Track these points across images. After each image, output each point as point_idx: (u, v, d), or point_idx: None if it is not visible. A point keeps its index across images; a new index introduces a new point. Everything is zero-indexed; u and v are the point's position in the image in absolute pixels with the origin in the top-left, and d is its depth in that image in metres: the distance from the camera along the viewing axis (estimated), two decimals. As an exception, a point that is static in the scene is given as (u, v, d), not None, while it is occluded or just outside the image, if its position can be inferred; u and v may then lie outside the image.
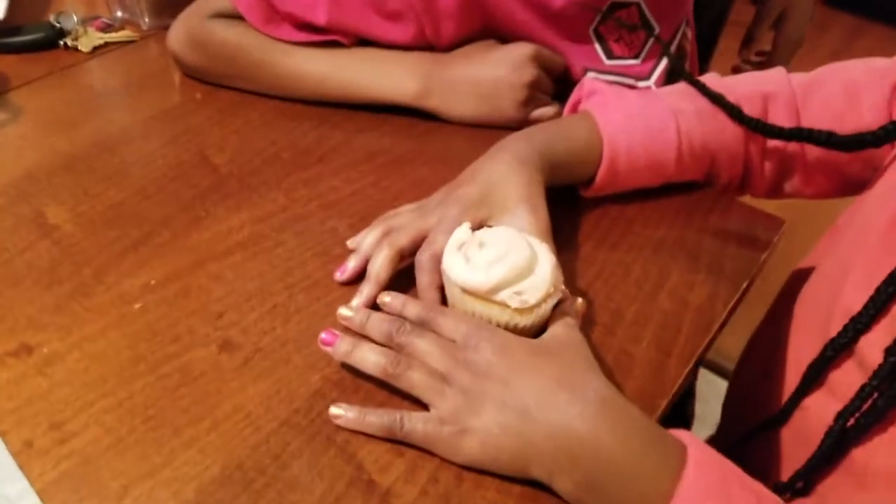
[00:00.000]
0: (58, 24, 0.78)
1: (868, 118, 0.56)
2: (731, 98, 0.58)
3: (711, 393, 1.39)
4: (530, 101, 0.68)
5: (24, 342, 0.47)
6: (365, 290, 0.49)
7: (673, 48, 0.75)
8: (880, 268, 0.43)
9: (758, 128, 0.57)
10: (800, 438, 0.49)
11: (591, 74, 0.72)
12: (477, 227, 0.50)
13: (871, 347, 0.43)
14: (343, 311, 0.47)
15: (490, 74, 0.68)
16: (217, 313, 0.49)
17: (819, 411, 0.46)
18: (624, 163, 0.58)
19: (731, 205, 0.63)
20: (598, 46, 0.73)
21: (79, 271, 0.52)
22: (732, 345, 0.69)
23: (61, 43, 0.78)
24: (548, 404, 0.40)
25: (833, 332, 0.45)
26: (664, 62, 0.74)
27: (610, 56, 0.73)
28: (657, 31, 0.73)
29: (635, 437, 0.39)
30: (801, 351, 0.51)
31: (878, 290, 0.43)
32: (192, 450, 0.41)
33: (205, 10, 0.70)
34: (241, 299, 0.50)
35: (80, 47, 0.77)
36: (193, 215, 0.57)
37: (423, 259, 0.49)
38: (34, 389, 0.44)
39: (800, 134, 0.55)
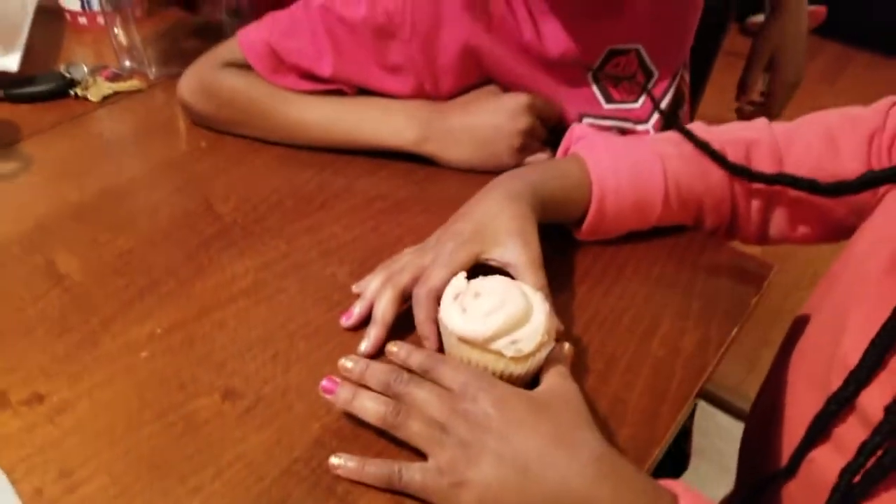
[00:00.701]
0: (68, 75, 0.81)
1: (849, 166, 0.58)
2: (716, 145, 0.61)
3: (710, 425, 1.40)
4: (525, 148, 0.70)
5: (35, 391, 0.48)
6: (372, 333, 0.51)
7: (671, 92, 0.77)
8: (876, 318, 0.44)
9: (741, 172, 0.59)
10: (809, 492, 0.48)
11: (588, 120, 0.75)
12: (471, 261, 0.52)
13: (872, 401, 0.43)
14: (343, 362, 0.48)
15: (487, 122, 0.70)
16: (220, 362, 0.51)
17: (825, 465, 0.46)
18: (612, 202, 0.60)
19: (721, 249, 0.65)
20: (596, 91, 0.75)
21: (88, 320, 0.53)
22: (731, 372, 0.69)
23: (71, 93, 0.80)
24: (546, 464, 0.41)
25: (833, 385, 0.46)
26: (663, 104, 0.76)
27: (609, 100, 0.76)
28: (656, 76, 0.75)
29: (630, 495, 0.40)
30: (804, 402, 0.52)
31: (873, 343, 0.43)
32: (197, 499, 0.42)
33: (217, 60, 0.73)
34: (244, 347, 0.52)
35: (89, 97, 0.80)
36: (198, 263, 0.59)
37: (420, 294, 0.51)
38: (45, 438, 0.45)
39: (782, 179, 0.57)
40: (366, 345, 0.51)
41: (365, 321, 0.53)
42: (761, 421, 0.61)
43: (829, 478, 0.44)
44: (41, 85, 0.80)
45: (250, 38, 0.71)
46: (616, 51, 0.73)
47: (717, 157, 0.60)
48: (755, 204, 0.62)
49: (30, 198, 0.66)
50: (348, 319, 0.53)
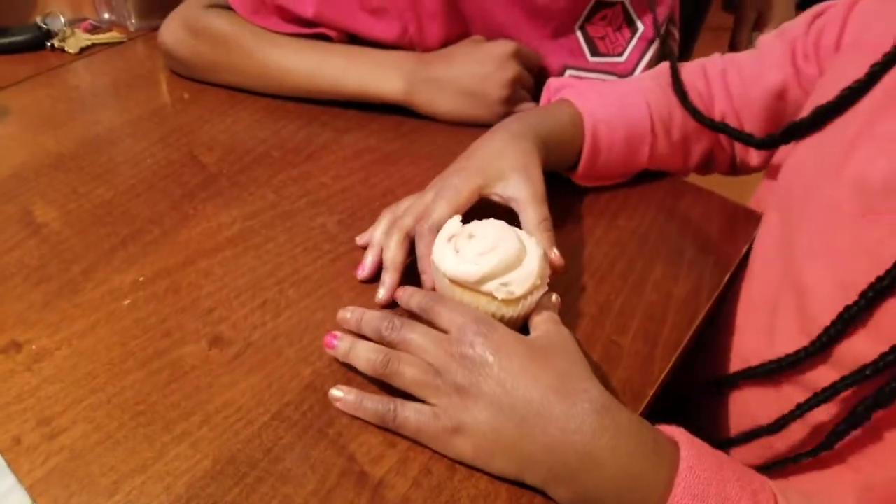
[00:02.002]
0: (45, 26, 0.78)
1: (770, 75, 0.60)
2: (686, 81, 0.62)
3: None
4: (513, 97, 0.68)
5: (12, 339, 0.47)
6: (386, 279, 0.50)
7: (655, 45, 0.76)
8: (849, 265, 0.44)
9: (694, 114, 0.60)
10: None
11: (571, 72, 0.73)
12: (475, 195, 0.51)
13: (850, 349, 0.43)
14: (341, 313, 0.47)
15: (474, 72, 0.68)
16: (207, 309, 0.49)
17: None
18: (604, 135, 0.60)
19: (712, 198, 0.64)
20: (583, 43, 0.74)
21: (68, 269, 0.52)
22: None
23: (48, 44, 0.78)
24: (546, 416, 0.39)
25: (782, 308, 0.47)
26: (646, 59, 0.76)
27: (595, 53, 0.75)
28: (641, 30, 0.74)
29: (631, 446, 0.39)
30: (753, 322, 0.55)
31: (855, 303, 0.42)
32: (184, 444, 0.41)
33: (199, 1, 0.71)
34: (232, 295, 0.51)
35: (67, 48, 0.77)
36: (183, 213, 0.57)
37: (422, 228, 0.50)
38: (23, 386, 0.44)
39: (724, 128, 0.59)
40: (382, 292, 0.50)
41: (378, 272, 0.52)
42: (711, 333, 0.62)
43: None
44: (16, 36, 0.77)
45: None
46: (603, 2, 0.72)
47: (680, 95, 0.61)
48: (722, 138, 0.64)
49: (4, 148, 0.64)
50: (363, 271, 0.52)
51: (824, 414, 0.43)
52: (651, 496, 0.38)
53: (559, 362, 0.42)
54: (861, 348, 0.42)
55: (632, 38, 0.75)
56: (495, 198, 0.52)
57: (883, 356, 0.39)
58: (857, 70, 0.47)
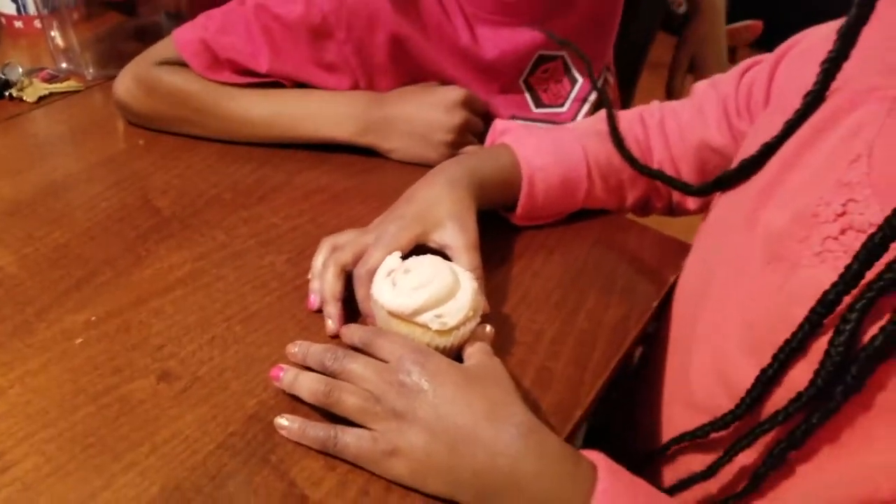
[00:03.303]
0: (3, 76, 0.80)
1: (716, 136, 0.64)
2: (624, 127, 0.66)
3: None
4: (459, 141, 0.73)
5: (-34, 379, 0.48)
6: (330, 310, 0.53)
7: (594, 95, 0.82)
8: (755, 309, 0.47)
9: (631, 161, 0.64)
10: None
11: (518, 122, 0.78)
12: (412, 242, 0.54)
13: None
14: (289, 347, 0.50)
15: (424, 116, 0.72)
16: (157, 346, 0.52)
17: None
18: (541, 179, 0.63)
19: (645, 233, 0.68)
20: (527, 96, 0.79)
21: (22, 311, 0.54)
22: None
23: (7, 94, 0.80)
24: (475, 441, 0.42)
25: (695, 358, 0.51)
26: (585, 108, 0.81)
27: (539, 104, 0.80)
28: (580, 82, 0.80)
29: (553, 470, 0.42)
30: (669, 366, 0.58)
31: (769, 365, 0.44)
32: (132, 473, 0.43)
33: (152, 58, 0.74)
34: (181, 332, 0.53)
35: (25, 97, 0.80)
36: (136, 254, 0.60)
37: (360, 273, 0.53)
38: (-25, 423, 0.45)
39: (660, 176, 0.63)
40: (330, 323, 0.53)
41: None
42: (644, 374, 0.65)
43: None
44: (-25, 86, 0.79)
45: (185, 36, 0.72)
46: (545, 57, 0.77)
47: (617, 144, 0.65)
48: (658, 183, 0.68)
49: (-38, 196, 0.66)
50: (312, 302, 0.55)
51: (749, 457, 0.45)
52: None
53: (490, 390, 0.45)
54: (778, 399, 0.43)
55: (571, 89, 0.81)
56: (432, 244, 0.55)
57: (792, 402, 0.41)
58: (776, 125, 0.51)
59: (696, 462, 0.50)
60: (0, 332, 0.52)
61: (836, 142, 0.45)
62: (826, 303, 0.39)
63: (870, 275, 0.37)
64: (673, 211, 0.71)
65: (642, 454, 0.57)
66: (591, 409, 0.52)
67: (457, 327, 0.48)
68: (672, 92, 1.05)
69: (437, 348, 0.48)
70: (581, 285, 0.61)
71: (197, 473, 0.43)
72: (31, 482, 0.42)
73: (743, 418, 0.45)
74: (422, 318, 0.48)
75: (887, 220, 0.37)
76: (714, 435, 0.47)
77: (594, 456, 0.44)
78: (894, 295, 0.37)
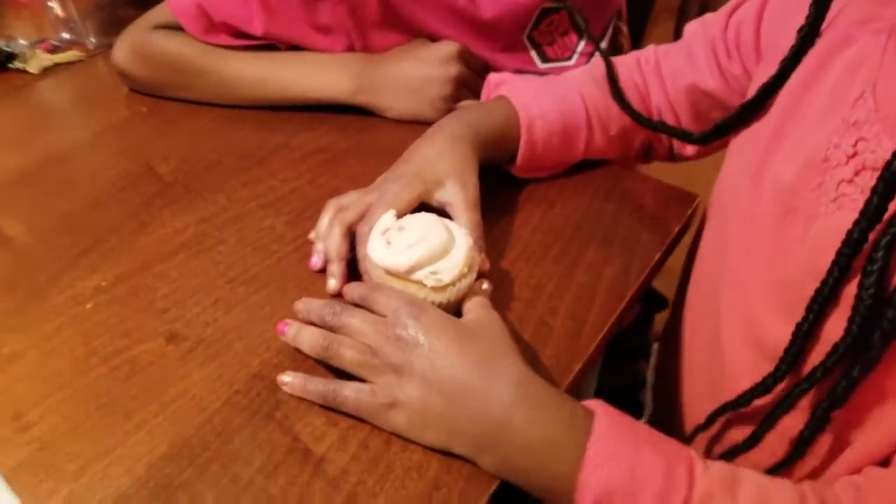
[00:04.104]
0: (6, 48, 0.81)
1: (709, 78, 0.62)
2: (623, 77, 0.65)
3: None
4: (455, 95, 0.72)
5: (-17, 345, 0.50)
6: (334, 269, 0.54)
7: (605, 44, 0.80)
8: (775, 267, 0.46)
9: (630, 113, 0.63)
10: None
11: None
12: (414, 200, 0.55)
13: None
14: (296, 304, 0.51)
15: (418, 71, 0.72)
16: (163, 309, 0.53)
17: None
18: (540, 128, 0.63)
19: (647, 182, 0.68)
20: (532, 52, 0.78)
21: (34, 277, 0.55)
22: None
23: (10, 66, 0.81)
24: (470, 391, 0.43)
25: (724, 310, 0.49)
26: (593, 60, 0.79)
27: (544, 59, 0.79)
28: (584, 30, 0.78)
29: (547, 416, 0.43)
30: (700, 332, 0.56)
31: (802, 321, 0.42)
32: (142, 431, 0.45)
33: (147, 23, 0.74)
34: (186, 295, 0.54)
35: (28, 69, 0.81)
36: (140, 221, 0.61)
37: (363, 231, 0.54)
38: (-4, 385, 0.48)
39: (660, 127, 0.62)
40: (332, 282, 0.54)
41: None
42: (672, 348, 0.65)
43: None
44: (-21, 59, 0.80)
45: (181, 1, 0.72)
46: (548, 9, 0.75)
47: (617, 97, 0.64)
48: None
49: (-28, 168, 0.67)
50: (315, 261, 0.56)
51: (793, 421, 0.43)
52: (566, 461, 0.41)
53: (485, 342, 0.46)
54: (818, 355, 0.41)
55: (578, 41, 0.79)
56: (433, 202, 0.56)
57: (829, 355, 0.39)
58: (773, 69, 0.50)
59: (739, 433, 0.48)
60: (15, 298, 0.54)
61: (836, 81, 0.44)
62: (851, 243, 0.38)
63: (893, 208, 0.36)
64: (673, 157, 0.71)
65: (681, 432, 0.56)
66: (591, 362, 0.53)
67: (452, 283, 0.49)
68: (684, 15, 1.03)
69: (433, 304, 0.49)
70: (581, 238, 0.62)
71: (204, 430, 0.45)
72: (49, 441, 0.44)
73: (784, 380, 0.43)
74: (417, 276, 0.49)
75: None
76: (757, 402, 0.45)
77: (592, 404, 0.45)
78: None
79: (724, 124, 0.56)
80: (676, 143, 0.69)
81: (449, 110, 0.72)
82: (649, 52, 0.68)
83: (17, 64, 0.81)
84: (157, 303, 0.54)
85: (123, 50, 0.74)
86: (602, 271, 0.59)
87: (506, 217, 0.63)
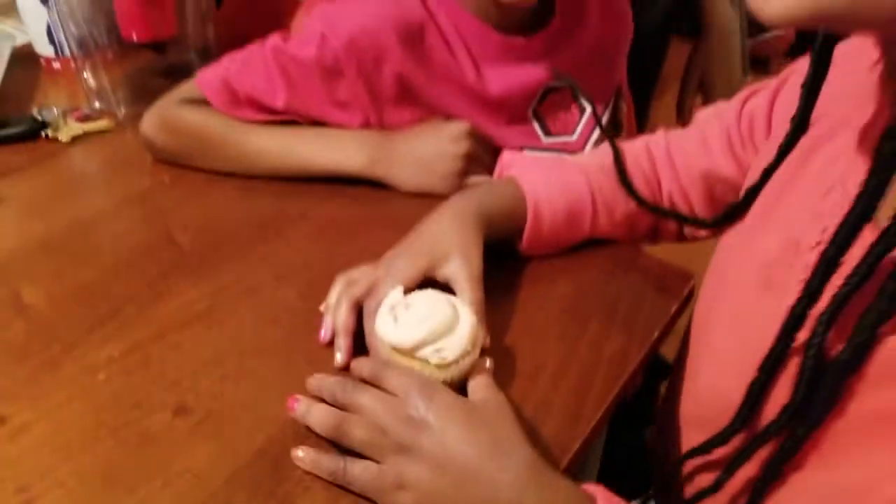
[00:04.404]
0: (40, 118, 0.85)
1: (722, 163, 0.64)
2: (630, 162, 0.67)
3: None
4: (466, 171, 0.75)
5: (-2, 413, 0.52)
6: (340, 343, 0.56)
7: (605, 120, 0.83)
8: (750, 339, 0.48)
9: (638, 200, 0.65)
10: None
11: (527, 153, 0.80)
12: (420, 275, 0.56)
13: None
14: (308, 380, 0.53)
15: (430, 147, 0.75)
16: (174, 380, 0.54)
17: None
18: (546, 210, 0.65)
19: (649, 261, 0.69)
20: (536, 126, 0.81)
21: (49, 346, 0.57)
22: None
23: (43, 134, 0.85)
24: (479, 476, 0.44)
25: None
26: (595, 136, 0.82)
27: (547, 134, 0.81)
28: (589, 110, 0.81)
29: (553, 498, 0.44)
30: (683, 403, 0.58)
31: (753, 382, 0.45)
32: (146, 507, 0.46)
33: (176, 97, 0.78)
34: (197, 366, 0.56)
35: (60, 137, 0.84)
36: (157, 290, 0.63)
37: (370, 306, 0.55)
38: (4, 456, 0.49)
39: (669, 213, 0.65)
40: (339, 356, 0.55)
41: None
42: (669, 410, 0.65)
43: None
44: (14, 128, 0.84)
45: (207, 76, 0.76)
46: (553, 88, 0.78)
47: (625, 185, 0.66)
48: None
49: None
50: (323, 335, 0.57)
51: (750, 471, 0.46)
52: None
53: (494, 425, 0.47)
54: (769, 414, 0.44)
55: (580, 117, 0.82)
56: (438, 277, 0.57)
57: (779, 415, 0.42)
58: (773, 153, 0.51)
59: (705, 479, 0.51)
60: (29, 366, 0.55)
61: (817, 171, 0.47)
62: (794, 318, 0.41)
63: (831, 290, 0.39)
64: (685, 238, 0.72)
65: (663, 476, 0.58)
66: (591, 440, 0.53)
67: (456, 361, 0.50)
68: (682, 109, 1.06)
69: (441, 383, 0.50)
70: (583, 315, 0.62)
71: (206, 507, 0.46)
72: (54, 515, 0.45)
73: (740, 433, 0.46)
74: (422, 353, 0.50)
75: (833, 237, 0.39)
76: (717, 451, 0.48)
77: (593, 489, 0.45)
78: (855, 309, 0.38)
79: (733, 209, 0.57)
80: (688, 226, 0.70)
81: (459, 185, 0.74)
82: (659, 137, 0.70)
83: (49, 132, 0.84)
84: (169, 374, 0.55)
85: (152, 121, 0.78)
86: (603, 348, 0.59)
87: (511, 292, 0.64)
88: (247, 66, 0.75)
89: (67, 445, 0.49)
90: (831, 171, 0.44)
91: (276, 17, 0.98)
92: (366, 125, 0.77)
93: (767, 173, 0.52)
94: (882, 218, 0.37)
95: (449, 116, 0.77)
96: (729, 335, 0.52)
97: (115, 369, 0.55)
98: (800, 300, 0.41)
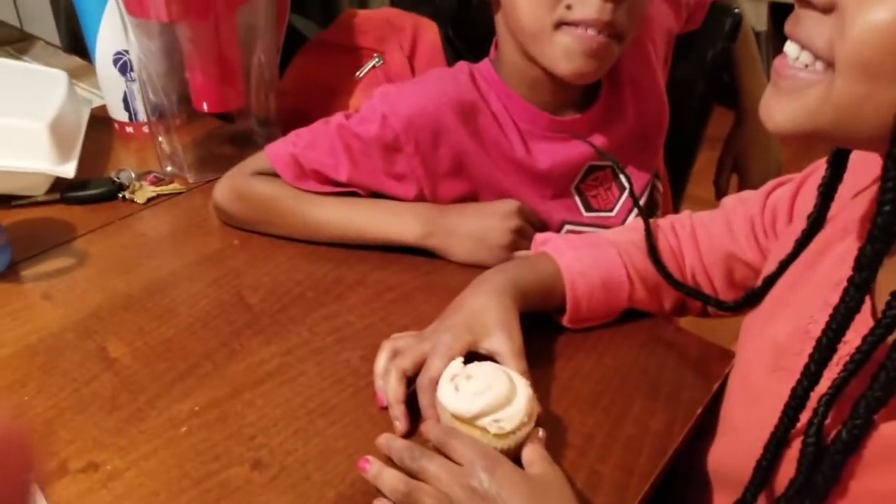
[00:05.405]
0: (117, 180, 0.92)
1: (747, 249, 0.69)
2: (661, 239, 0.72)
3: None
4: (515, 246, 0.80)
5: (91, 460, 0.56)
6: (396, 412, 0.60)
7: (643, 200, 0.88)
8: (758, 418, 0.51)
9: (666, 277, 0.69)
10: None
11: (569, 226, 0.85)
12: (465, 350, 0.61)
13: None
14: (378, 438, 0.57)
15: (481, 221, 0.81)
16: (250, 436, 0.59)
17: None
18: (582, 285, 0.69)
19: (689, 340, 0.73)
20: (578, 201, 0.86)
21: (135, 399, 0.62)
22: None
23: (120, 195, 0.91)
24: None
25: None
26: (633, 213, 0.87)
27: (588, 209, 0.87)
28: (628, 188, 0.86)
29: None
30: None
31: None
32: (228, 555, 0.50)
33: (247, 169, 0.84)
34: (270, 423, 0.60)
35: (135, 199, 0.91)
36: (231, 349, 0.68)
37: (423, 383, 0.60)
38: (99, 501, 0.53)
39: (693, 293, 0.68)
40: (398, 424, 0.59)
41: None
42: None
43: None
44: (93, 189, 0.91)
45: (276, 150, 0.83)
46: (595, 166, 0.84)
47: (653, 258, 0.70)
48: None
49: (84, 290, 0.76)
50: (381, 401, 0.62)
51: None
52: None
53: (554, 499, 0.51)
54: (777, 490, 0.49)
55: (620, 195, 0.88)
56: (482, 351, 0.62)
57: (784, 492, 0.46)
58: (791, 245, 0.57)
59: None
60: (118, 417, 0.60)
61: (829, 266, 0.51)
62: (796, 398, 0.45)
63: (831, 375, 0.43)
64: (708, 315, 0.76)
65: None
66: (638, 512, 0.56)
67: (513, 432, 0.54)
68: (718, 189, 1.11)
69: (494, 450, 0.54)
70: (628, 389, 0.66)
71: (284, 558, 0.50)
72: (145, 558, 0.49)
73: None
74: (481, 422, 0.54)
75: (827, 324, 0.43)
76: None
77: None
78: (854, 393, 0.41)
79: (752, 294, 0.62)
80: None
81: (508, 258, 0.79)
82: (685, 217, 0.75)
83: (126, 194, 0.91)
84: (245, 429, 0.59)
85: (224, 190, 0.84)
86: (648, 424, 0.63)
87: (558, 364, 0.69)
88: (313, 143, 0.82)
89: (155, 493, 0.54)
90: (842, 266, 0.48)
91: (333, 94, 1.05)
92: (420, 196, 0.82)
93: (784, 265, 0.57)
94: (879, 308, 0.41)
95: (498, 189, 0.83)
96: (744, 412, 0.57)
97: (195, 423, 0.60)
98: (799, 382, 0.45)
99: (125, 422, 0.60)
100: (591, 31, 0.71)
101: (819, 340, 0.44)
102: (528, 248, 0.81)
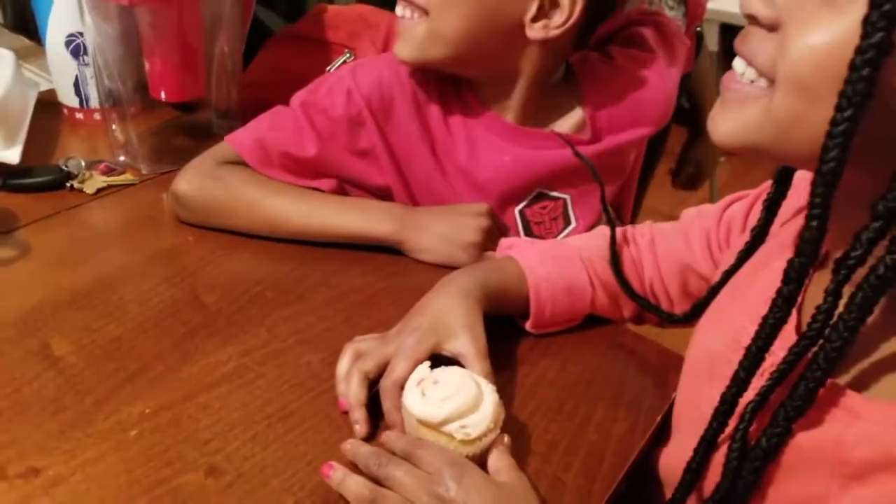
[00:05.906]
0: (65, 168, 0.88)
1: (702, 262, 0.71)
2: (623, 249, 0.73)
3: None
4: (485, 245, 0.79)
5: (31, 465, 0.53)
6: (356, 415, 0.58)
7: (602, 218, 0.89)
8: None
9: (623, 286, 0.70)
10: None
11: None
12: (429, 352, 0.59)
13: None
14: (343, 444, 0.55)
15: (453, 220, 0.81)
16: (205, 440, 0.56)
17: None
18: (546, 289, 0.69)
19: (649, 348, 0.73)
20: (519, 224, 0.87)
21: (81, 400, 0.59)
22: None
23: (68, 185, 0.87)
24: None
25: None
26: (594, 230, 0.88)
27: (528, 234, 0.88)
28: (573, 226, 0.87)
29: None
30: None
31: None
32: (180, 567, 0.47)
33: (212, 158, 0.81)
34: (226, 428, 0.58)
35: (84, 189, 0.87)
36: (185, 350, 0.65)
37: (386, 385, 0.58)
38: (39, 510, 0.50)
39: (646, 305, 0.70)
40: (358, 428, 0.58)
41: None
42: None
43: None
44: (39, 177, 0.87)
45: (239, 138, 0.81)
46: (545, 194, 0.85)
47: (615, 269, 0.71)
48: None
49: (26, 283, 0.72)
50: (343, 406, 0.60)
51: None
52: None
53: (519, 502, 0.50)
54: (707, 490, 0.50)
55: (564, 229, 0.88)
56: (445, 353, 0.61)
57: (713, 492, 0.47)
58: (733, 258, 0.59)
59: None
60: (62, 420, 0.57)
61: (766, 280, 0.52)
62: (725, 403, 0.47)
63: (758, 382, 0.45)
64: (664, 324, 0.76)
65: None
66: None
67: (479, 438, 0.53)
68: (679, 175, 1.14)
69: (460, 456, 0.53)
70: (591, 396, 0.66)
71: (240, 569, 0.48)
72: (90, 571, 0.46)
73: None
74: (448, 428, 0.53)
75: (756, 334, 0.44)
76: None
77: None
78: (778, 399, 0.43)
79: (698, 305, 0.63)
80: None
81: (479, 257, 0.79)
82: (645, 228, 0.76)
83: (74, 184, 0.87)
84: (199, 434, 0.57)
85: (189, 179, 0.80)
86: (611, 430, 0.63)
87: (524, 370, 0.68)
88: (276, 124, 0.81)
89: (102, 500, 0.51)
90: (777, 280, 0.49)
91: (301, 86, 1.03)
92: (385, 185, 0.82)
93: (727, 276, 0.59)
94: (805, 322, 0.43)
95: (449, 192, 0.83)
96: (687, 417, 0.59)
97: (146, 426, 0.57)
98: (728, 389, 0.47)
99: (70, 425, 0.57)
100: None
101: (748, 349, 0.46)
102: (494, 250, 0.81)
